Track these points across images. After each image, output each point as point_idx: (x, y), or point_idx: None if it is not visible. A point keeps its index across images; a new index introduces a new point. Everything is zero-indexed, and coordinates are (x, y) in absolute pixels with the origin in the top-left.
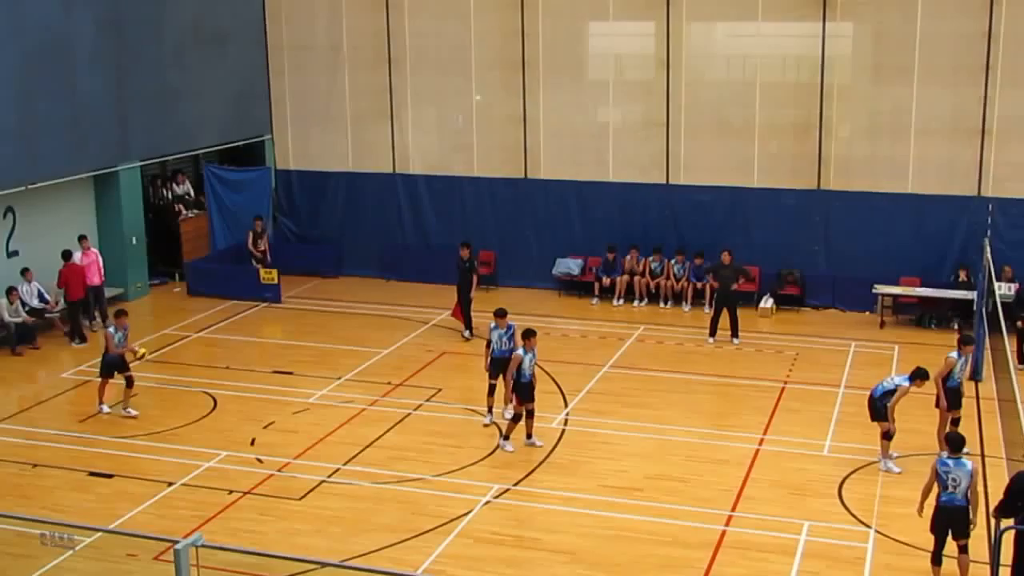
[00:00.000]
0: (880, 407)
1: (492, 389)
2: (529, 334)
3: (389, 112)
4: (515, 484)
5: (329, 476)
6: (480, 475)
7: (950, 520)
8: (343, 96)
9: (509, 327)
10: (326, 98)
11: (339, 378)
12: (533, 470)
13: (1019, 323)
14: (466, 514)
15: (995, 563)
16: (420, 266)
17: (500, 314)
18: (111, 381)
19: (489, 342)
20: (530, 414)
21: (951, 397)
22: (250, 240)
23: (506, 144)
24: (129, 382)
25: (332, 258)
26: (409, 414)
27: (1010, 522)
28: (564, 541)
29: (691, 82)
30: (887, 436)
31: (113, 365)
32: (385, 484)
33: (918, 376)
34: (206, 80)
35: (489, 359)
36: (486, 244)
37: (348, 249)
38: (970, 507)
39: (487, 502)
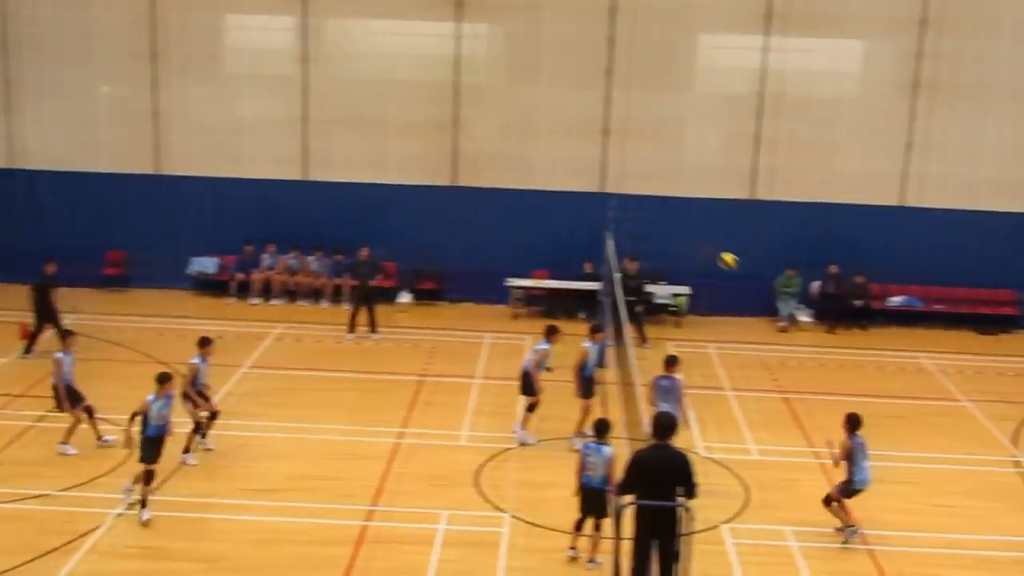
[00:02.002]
0: (530, 381)
1: (150, 476)
2: (205, 343)
3: (4, 103)
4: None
5: None
6: (110, 487)
7: (587, 499)
8: None
9: (168, 396)
10: None
11: None
12: (167, 479)
13: (638, 309)
14: (95, 529)
15: (617, 537)
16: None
17: (162, 380)
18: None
19: (141, 413)
20: (213, 416)
21: (585, 385)
22: None
23: (137, 138)
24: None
25: None
26: (31, 427)
27: (630, 498)
28: (202, 549)
29: (329, 78)
30: (531, 408)
31: None
32: (6, 503)
33: (550, 333)
34: None
35: (143, 435)
36: (114, 244)
37: None
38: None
39: (119, 514)
